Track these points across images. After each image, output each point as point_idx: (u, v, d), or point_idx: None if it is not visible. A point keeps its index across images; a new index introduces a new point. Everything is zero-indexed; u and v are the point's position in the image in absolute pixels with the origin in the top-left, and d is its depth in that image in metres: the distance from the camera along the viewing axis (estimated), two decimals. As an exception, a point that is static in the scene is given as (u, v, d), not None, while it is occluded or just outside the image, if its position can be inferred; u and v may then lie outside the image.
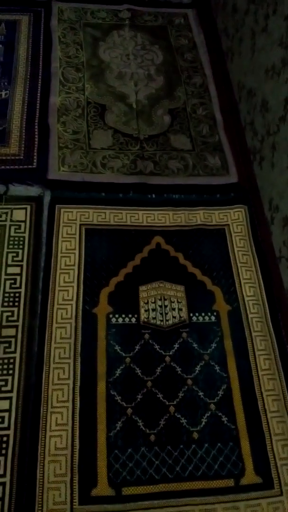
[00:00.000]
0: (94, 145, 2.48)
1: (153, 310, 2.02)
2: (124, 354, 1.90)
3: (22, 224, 2.13)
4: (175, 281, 2.10)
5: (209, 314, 2.04)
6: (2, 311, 1.91)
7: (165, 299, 2.05)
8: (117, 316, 1.98)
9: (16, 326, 1.88)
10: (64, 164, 2.37)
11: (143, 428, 1.75)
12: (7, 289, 1.96)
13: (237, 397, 1.85)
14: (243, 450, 1.74)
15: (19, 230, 2.11)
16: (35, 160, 2.37)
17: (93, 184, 2.33)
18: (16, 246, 2.07)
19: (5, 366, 1.79)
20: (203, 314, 2.04)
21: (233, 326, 2.02)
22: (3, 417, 1.69)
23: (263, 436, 1.77)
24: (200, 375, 1.89)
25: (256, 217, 2.33)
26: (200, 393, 1.84)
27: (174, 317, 2.01)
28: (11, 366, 1.79)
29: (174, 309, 2.03)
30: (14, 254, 2.05)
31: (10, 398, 1.73)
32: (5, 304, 1.92)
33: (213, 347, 1.96)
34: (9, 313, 1.90)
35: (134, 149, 2.51)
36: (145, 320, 1.99)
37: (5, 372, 1.78)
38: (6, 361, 1.80)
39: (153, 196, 2.35)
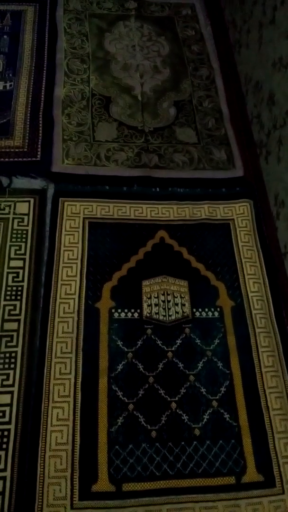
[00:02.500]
0: (98, 138, 2.46)
1: (156, 305, 2.00)
2: (126, 349, 1.88)
3: (25, 217, 2.12)
4: (179, 276, 2.09)
5: (213, 309, 2.02)
6: (5, 305, 1.90)
7: (168, 294, 2.03)
8: (119, 311, 1.97)
9: (18, 320, 1.87)
10: (68, 157, 2.35)
11: (145, 424, 1.74)
12: (10, 283, 1.95)
13: (240, 394, 1.83)
14: (245, 447, 1.73)
15: (22, 223, 2.10)
16: (39, 153, 2.35)
17: (97, 177, 2.31)
18: (19, 240, 2.06)
19: (7, 360, 1.78)
20: (206, 309, 2.02)
21: (237, 322, 2.00)
22: (4, 411, 1.68)
23: (265, 433, 1.76)
24: (203, 371, 1.87)
25: (262, 212, 2.31)
26: (202, 390, 1.83)
27: (177, 312, 2.00)
28: (12, 360, 1.79)
29: (177, 304, 2.02)
30: (17, 248, 2.03)
31: (11, 392, 1.72)
32: (8, 297, 1.91)
33: (216, 343, 1.94)
34: (11, 307, 1.89)
35: (139, 142, 2.48)
36: (148, 315, 1.97)
37: (6, 366, 1.77)
38: (8, 355, 1.79)
39: (158, 189, 2.33)
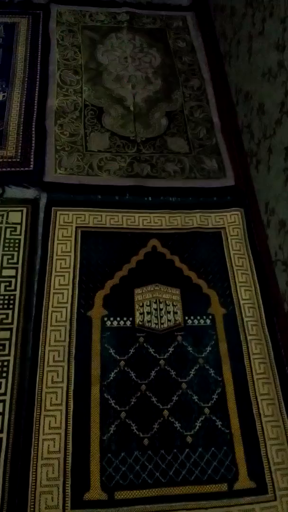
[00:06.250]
0: (91, 148, 2.48)
1: (148, 313, 2.01)
2: (118, 358, 1.89)
3: (18, 227, 2.13)
4: (171, 284, 2.10)
5: (205, 317, 2.03)
6: (-3, 314, 1.91)
7: (160, 302, 2.04)
8: (112, 319, 1.98)
9: (11, 329, 1.88)
10: (60, 167, 2.37)
11: (137, 432, 1.74)
12: (2, 292, 1.95)
13: (232, 401, 1.84)
14: (237, 454, 1.73)
15: (14, 233, 2.11)
16: (32, 163, 2.37)
17: (90, 187, 2.33)
18: (11, 249, 2.07)
19: (-1, 369, 1.79)
20: (198, 317, 2.03)
21: (228, 329, 2.01)
22: (-4, 420, 1.69)
23: (257, 440, 1.76)
24: (195, 379, 1.88)
25: (253, 220, 2.33)
26: (194, 397, 1.84)
27: (169, 320, 2.01)
28: (5, 369, 1.79)
29: (169, 312, 2.02)
30: (10, 257, 2.04)
31: (3, 401, 1.72)
32: (0, 306, 1.92)
33: (208, 351, 1.95)
34: (4, 316, 1.90)
35: (131, 152, 2.50)
36: (140, 323, 1.98)
37: (-2, 375, 1.78)
38: (0, 363, 1.79)
39: (150, 198, 2.35)
